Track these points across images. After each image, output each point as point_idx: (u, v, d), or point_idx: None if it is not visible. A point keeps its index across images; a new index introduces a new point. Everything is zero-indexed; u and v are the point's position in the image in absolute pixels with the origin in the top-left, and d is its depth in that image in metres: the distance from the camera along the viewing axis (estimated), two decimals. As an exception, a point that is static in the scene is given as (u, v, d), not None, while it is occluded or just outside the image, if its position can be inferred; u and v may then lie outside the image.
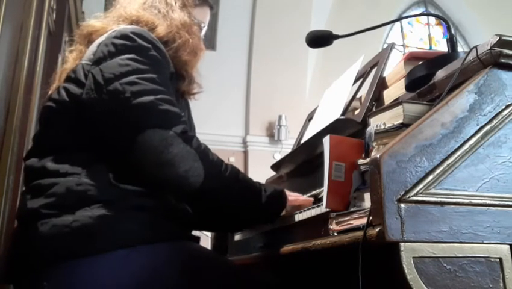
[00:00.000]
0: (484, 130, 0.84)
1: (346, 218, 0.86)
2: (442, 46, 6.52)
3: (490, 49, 0.88)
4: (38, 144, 1.14)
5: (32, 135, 1.29)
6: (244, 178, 1.16)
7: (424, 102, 0.96)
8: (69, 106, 1.11)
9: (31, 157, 1.11)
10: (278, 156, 4.93)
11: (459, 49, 1.16)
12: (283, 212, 1.23)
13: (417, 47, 6.50)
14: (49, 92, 1.22)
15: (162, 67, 1.14)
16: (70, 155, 1.06)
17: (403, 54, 1.34)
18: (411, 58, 1.24)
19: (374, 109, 1.22)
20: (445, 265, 0.74)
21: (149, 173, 1.03)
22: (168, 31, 1.23)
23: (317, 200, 1.22)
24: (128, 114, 1.04)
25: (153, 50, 1.12)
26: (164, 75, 1.13)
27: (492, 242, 0.77)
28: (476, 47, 0.92)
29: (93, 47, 1.15)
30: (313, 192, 1.28)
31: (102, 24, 1.23)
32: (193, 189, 1.05)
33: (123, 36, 1.12)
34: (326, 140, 0.98)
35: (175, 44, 1.23)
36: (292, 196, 1.23)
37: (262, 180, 1.91)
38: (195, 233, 1.20)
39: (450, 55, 1.08)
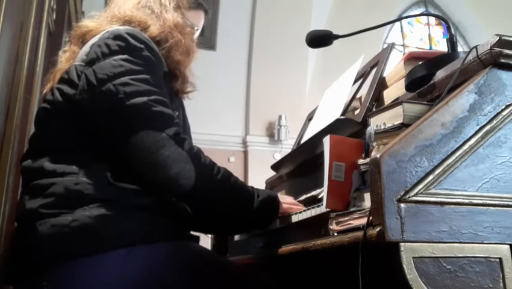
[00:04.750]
0: (484, 130, 0.84)
1: (346, 218, 0.86)
2: (442, 46, 6.52)
3: (490, 49, 0.88)
4: (35, 145, 1.14)
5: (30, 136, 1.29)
6: (236, 182, 1.15)
7: (424, 102, 0.96)
8: (63, 107, 1.11)
9: (27, 158, 1.11)
10: (278, 156, 4.93)
11: (459, 49, 1.15)
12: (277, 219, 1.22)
13: (417, 47, 6.50)
14: (44, 91, 1.22)
15: (155, 67, 1.14)
16: (67, 155, 1.06)
17: (403, 54, 1.34)
18: (411, 58, 1.24)
19: (374, 109, 1.22)
20: (445, 265, 0.74)
21: (142, 173, 1.03)
22: (161, 30, 1.24)
23: (317, 200, 1.22)
24: (121, 115, 1.04)
25: (146, 51, 1.13)
26: (157, 76, 1.13)
27: (492, 242, 0.77)
28: (476, 47, 0.92)
29: (86, 48, 1.16)
30: (313, 193, 1.28)
31: (96, 24, 1.24)
32: (184, 192, 1.05)
33: (116, 36, 1.12)
34: (326, 140, 0.98)
35: (168, 44, 1.24)
36: (286, 204, 1.22)
37: (262, 180, 1.91)
38: (194, 232, 1.20)
39: (450, 55, 1.08)
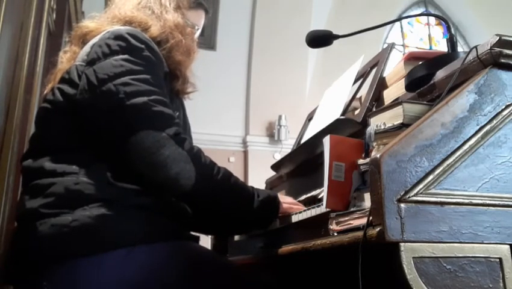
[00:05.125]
0: (484, 130, 0.83)
1: (346, 218, 0.86)
2: (442, 46, 6.51)
3: (490, 49, 0.88)
4: (35, 145, 1.15)
5: (30, 136, 1.29)
6: (236, 182, 1.15)
7: (424, 102, 0.96)
8: (64, 107, 1.11)
9: (27, 158, 1.11)
10: (278, 156, 4.92)
11: (459, 49, 1.15)
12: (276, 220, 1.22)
13: (417, 47, 6.49)
14: (44, 92, 1.23)
15: (156, 67, 1.14)
16: (67, 155, 1.06)
17: (403, 54, 1.34)
18: (411, 58, 1.24)
19: (374, 109, 1.22)
20: (445, 265, 0.74)
21: (142, 173, 1.03)
22: (162, 31, 1.24)
23: (317, 200, 1.22)
24: (121, 115, 1.04)
25: (146, 51, 1.13)
26: (157, 76, 1.13)
27: (492, 242, 0.77)
28: (476, 47, 0.92)
29: (87, 48, 1.16)
30: (313, 193, 1.28)
31: (96, 25, 1.24)
32: (184, 191, 1.05)
33: (117, 37, 1.13)
34: (326, 140, 0.98)
35: (168, 44, 1.24)
36: (286, 204, 1.22)
37: (262, 180, 1.91)
38: (194, 233, 1.20)
39: (450, 55, 1.08)
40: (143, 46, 1.13)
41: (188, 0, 1.38)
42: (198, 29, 1.42)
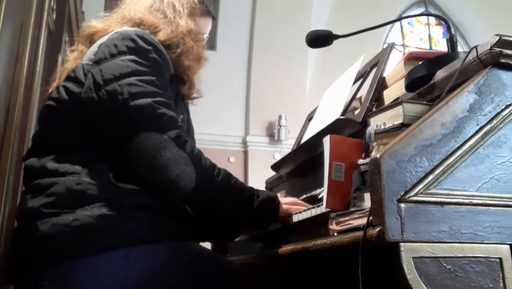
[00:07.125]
0: (484, 130, 0.83)
1: (346, 218, 0.86)
2: (442, 46, 6.52)
3: (490, 49, 0.88)
4: (38, 143, 1.15)
5: (32, 134, 1.29)
6: (236, 183, 1.15)
7: (424, 102, 0.97)
8: (68, 105, 1.11)
9: (30, 157, 1.12)
10: (278, 156, 4.93)
11: (459, 49, 1.15)
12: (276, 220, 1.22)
13: (417, 47, 6.50)
14: (49, 90, 1.23)
15: (162, 69, 1.15)
16: (70, 155, 1.06)
17: (403, 54, 1.34)
18: (411, 58, 1.24)
19: (374, 109, 1.22)
20: (445, 265, 0.73)
21: (143, 175, 1.03)
22: (172, 35, 1.24)
23: (317, 200, 1.22)
24: (124, 116, 1.04)
25: (153, 53, 1.13)
26: (163, 77, 1.14)
27: (492, 242, 0.77)
28: (476, 47, 0.92)
29: (94, 47, 1.16)
30: (313, 193, 1.28)
31: (104, 25, 1.24)
32: (185, 194, 1.05)
33: (125, 37, 1.13)
34: (326, 140, 0.98)
35: (179, 49, 1.24)
36: (285, 204, 1.22)
37: (262, 180, 1.91)
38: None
39: (450, 55, 1.08)
40: (150, 48, 1.13)
41: (201, 8, 1.38)
42: (206, 36, 1.44)
